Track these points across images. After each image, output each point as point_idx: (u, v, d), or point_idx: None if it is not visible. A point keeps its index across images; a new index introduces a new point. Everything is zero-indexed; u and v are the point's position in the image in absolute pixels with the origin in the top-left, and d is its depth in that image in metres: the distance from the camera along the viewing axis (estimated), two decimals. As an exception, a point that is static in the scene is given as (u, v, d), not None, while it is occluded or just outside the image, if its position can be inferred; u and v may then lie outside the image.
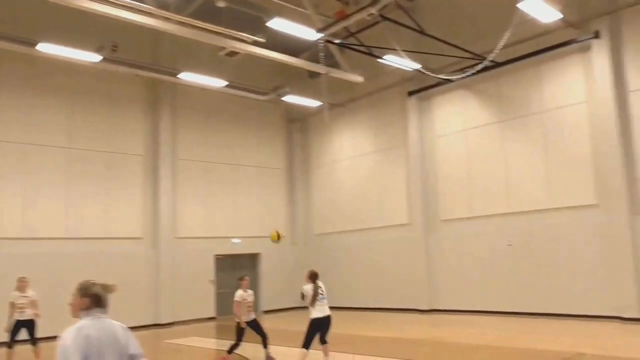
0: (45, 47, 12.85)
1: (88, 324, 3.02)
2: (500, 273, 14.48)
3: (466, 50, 14.16)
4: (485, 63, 13.20)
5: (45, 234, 14.56)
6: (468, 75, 14.19)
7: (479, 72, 13.84)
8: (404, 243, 16.94)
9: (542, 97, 14.13)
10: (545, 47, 13.63)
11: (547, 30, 13.37)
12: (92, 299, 3.12)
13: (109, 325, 3.09)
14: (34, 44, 12.80)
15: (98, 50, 13.66)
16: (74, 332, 2.94)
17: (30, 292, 9.79)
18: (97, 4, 11.10)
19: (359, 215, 18.56)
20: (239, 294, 9.77)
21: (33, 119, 14.78)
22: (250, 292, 9.91)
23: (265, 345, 9.57)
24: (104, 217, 15.78)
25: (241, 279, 10.00)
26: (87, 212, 15.43)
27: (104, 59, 13.84)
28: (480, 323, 13.33)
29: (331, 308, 7.71)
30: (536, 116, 14.18)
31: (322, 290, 8.19)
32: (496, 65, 13.99)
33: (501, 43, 11.96)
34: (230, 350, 9.57)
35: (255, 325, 9.66)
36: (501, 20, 12.48)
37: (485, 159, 15.18)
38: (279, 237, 10.96)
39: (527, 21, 12.37)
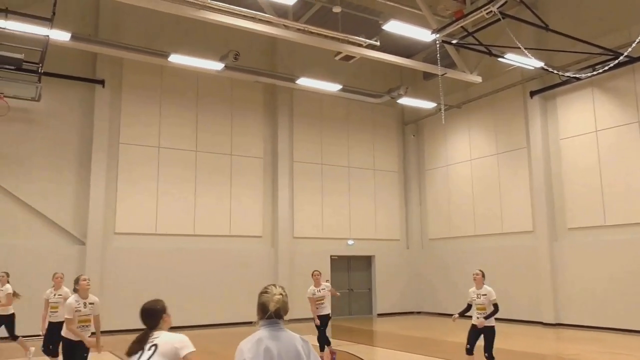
0: (175, 58, 13.96)
1: (266, 334, 2.77)
2: (634, 287, 13.16)
3: (596, 45, 13.07)
4: (621, 58, 12.08)
5: (175, 230, 15.76)
6: (599, 73, 13.09)
7: (611, 68, 12.71)
8: (526, 251, 16.02)
9: (688, 93, 12.63)
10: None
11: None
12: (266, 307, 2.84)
13: (289, 337, 2.83)
14: (166, 56, 13.96)
15: (221, 59, 14.56)
16: (252, 345, 2.72)
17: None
18: (220, 15, 11.84)
19: (477, 220, 17.88)
20: (310, 289, 9.68)
21: (164, 125, 16.09)
22: (324, 285, 9.71)
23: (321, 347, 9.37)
24: (227, 216, 16.75)
25: (313, 274, 9.88)
26: (212, 211, 16.46)
27: (227, 67, 14.71)
28: (609, 340, 12.22)
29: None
30: (681, 114, 12.71)
31: None
32: (632, 60, 12.75)
33: (639, 36, 10.86)
34: (323, 346, 9.42)
35: (323, 322, 9.49)
36: (636, 10, 11.35)
37: (620, 162, 13.87)
38: None
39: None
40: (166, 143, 16.05)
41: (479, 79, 15.99)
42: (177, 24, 15.70)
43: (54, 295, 8.78)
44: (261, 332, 2.77)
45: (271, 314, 2.80)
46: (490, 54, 13.57)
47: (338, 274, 18.58)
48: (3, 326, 9.60)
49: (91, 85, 15.08)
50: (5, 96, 13.05)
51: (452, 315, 8.25)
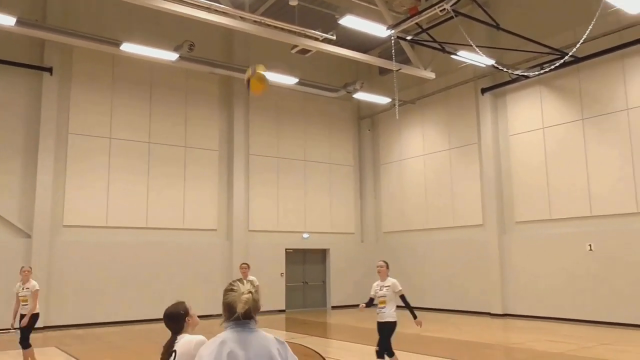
0: (128, 47, 13.60)
1: (231, 337, 2.41)
2: (578, 278, 13.79)
3: (544, 45, 13.57)
4: (566, 58, 12.59)
5: (127, 223, 15.42)
6: (547, 71, 13.60)
7: (558, 67, 13.23)
8: (477, 244, 16.51)
9: (627, 93, 13.29)
10: (631, 40, 12.82)
11: (633, 22, 12.56)
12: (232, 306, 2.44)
13: (261, 339, 2.45)
14: (118, 44, 13.58)
15: (176, 49, 14.30)
16: (214, 349, 2.36)
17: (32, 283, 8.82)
18: (175, 4, 11.61)
19: (430, 214, 18.28)
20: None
21: (116, 116, 15.69)
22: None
23: None
24: (181, 209, 16.51)
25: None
26: (165, 204, 16.18)
27: (181, 58, 14.46)
28: (555, 330, 12.78)
29: (399, 307, 7.50)
30: (622, 114, 13.36)
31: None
32: (577, 60, 13.31)
33: (583, 37, 11.35)
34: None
35: None
36: (581, 12, 11.86)
37: (565, 158, 14.47)
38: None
39: (611, 13, 11.67)
40: (118, 134, 15.65)
41: (432, 75, 16.30)
42: (130, 12, 15.28)
43: (22, 288, 8.75)
44: (226, 334, 2.40)
45: (238, 315, 2.38)
46: (443, 50, 13.88)
47: (293, 267, 18.64)
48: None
49: (39, 72, 14.52)
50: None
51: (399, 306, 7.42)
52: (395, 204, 19.73)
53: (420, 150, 18.90)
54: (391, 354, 7.22)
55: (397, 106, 15.75)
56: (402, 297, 7.30)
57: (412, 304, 7.47)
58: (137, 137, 15.97)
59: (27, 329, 8.53)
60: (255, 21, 12.95)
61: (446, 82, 17.50)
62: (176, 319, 3.36)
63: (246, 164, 17.91)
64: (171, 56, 14.29)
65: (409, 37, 13.65)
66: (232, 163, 17.54)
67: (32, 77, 14.51)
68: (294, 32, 13.50)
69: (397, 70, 14.96)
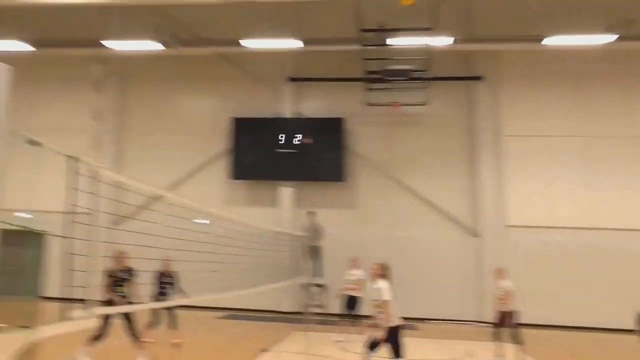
0: (552, 40, 13.06)
1: None
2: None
3: None
4: None
5: (571, 223, 14.58)
6: None
7: None
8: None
9: None
10: None
11: None
12: None
13: None
14: (539, 40, 13.19)
15: (608, 30, 12.83)
16: None
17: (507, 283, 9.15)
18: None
19: None
20: None
21: (546, 113, 15.22)
22: None
23: None
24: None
25: None
26: (612, 202, 14.62)
27: (620, 38, 12.86)
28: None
29: None
30: None
31: None
32: None
33: None
34: None
35: None
36: None
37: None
38: None
39: None
40: (551, 131, 15.16)
41: None
42: (552, 3, 14.66)
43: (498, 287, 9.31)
44: None
45: None
46: None
47: None
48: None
49: (470, 82, 15.57)
50: (400, 104, 14.80)
51: None
52: None
53: None
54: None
55: None
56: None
57: None
58: (572, 132, 15.09)
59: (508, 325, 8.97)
60: None
61: None
62: None
63: None
64: (605, 39, 12.94)
65: None
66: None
67: (465, 88, 15.65)
68: None
69: None
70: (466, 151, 15.48)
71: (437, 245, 15.02)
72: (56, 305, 9.04)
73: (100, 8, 13.45)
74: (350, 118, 15.78)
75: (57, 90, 17.23)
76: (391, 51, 13.75)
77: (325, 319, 12.58)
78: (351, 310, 11.22)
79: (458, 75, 15.63)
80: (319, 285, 13.71)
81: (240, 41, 14.08)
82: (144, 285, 8.11)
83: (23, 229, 13.76)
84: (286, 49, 14.78)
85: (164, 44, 14.31)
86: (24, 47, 15.05)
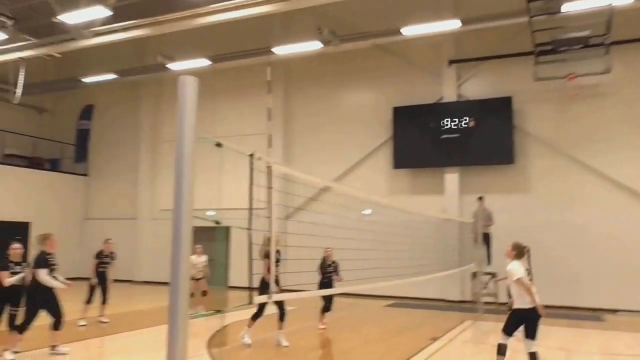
0: None
1: None
2: None
3: None
4: None
5: None
6: None
7: None
8: None
9: None
10: None
11: None
12: None
13: None
14: None
15: None
16: None
17: None
18: None
19: None
20: None
21: None
22: None
23: None
24: None
25: None
26: None
27: None
28: None
29: None
30: None
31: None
32: None
33: None
34: None
35: None
36: None
37: None
38: None
39: None
40: None
41: None
42: None
43: None
44: None
45: None
46: None
47: None
48: None
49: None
50: (576, 75, 13.45)
51: None
52: None
53: None
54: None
55: None
56: None
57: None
58: None
59: None
60: None
61: None
62: None
63: None
64: None
65: None
66: None
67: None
68: None
69: None
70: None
71: (623, 228, 13.39)
72: (240, 293, 9.98)
73: (265, 17, 14.39)
74: (518, 96, 14.80)
75: (232, 98, 18.90)
76: (564, 18, 12.54)
77: (498, 308, 12.06)
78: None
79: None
80: (489, 274, 13.19)
81: (398, 30, 14.01)
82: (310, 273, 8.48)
83: (214, 225, 15.27)
84: (445, 31, 14.38)
85: (324, 42, 14.87)
86: (204, 62, 16.83)
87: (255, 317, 8.29)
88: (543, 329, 10.29)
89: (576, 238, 13.68)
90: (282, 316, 8.49)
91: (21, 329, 7.18)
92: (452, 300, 14.67)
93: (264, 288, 7.78)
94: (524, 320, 6.33)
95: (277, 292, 7.06)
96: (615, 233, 13.43)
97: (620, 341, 9.44)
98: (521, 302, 6.31)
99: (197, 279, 11.67)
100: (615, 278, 13.10)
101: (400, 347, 8.42)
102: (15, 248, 7.54)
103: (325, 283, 9.94)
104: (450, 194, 15.40)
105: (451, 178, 15.46)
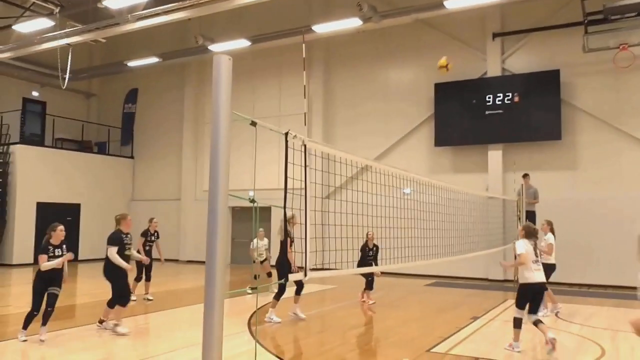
0: None
1: None
2: None
3: None
4: None
5: None
6: None
7: None
8: None
9: None
10: None
11: None
12: None
13: None
14: None
15: None
16: None
17: None
18: None
19: None
20: None
21: None
22: None
23: None
24: None
25: None
26: None
27: None
28: None
29: None
30: None
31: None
32: None
33: None
34: None
35: None
36: None
37: None
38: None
39: None
40: None
41: None
42: None
43: None
44: None
45: None
46: None
47: None
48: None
49: None
50: (628, 46, 12.78)
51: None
52: None
53: None
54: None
55: None
56: None
57: None
58: None
59: None
60: None
61: None
62: None
63: None
64: None
65: None
66: None
67: None
68: None
69: None
70: None
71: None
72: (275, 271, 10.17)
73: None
74: (567, 69, 14.22)
75: (272, 79, 18.91)
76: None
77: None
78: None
79: None
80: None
81: (441, 3, 13.62)
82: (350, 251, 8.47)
83: (251, 204, 15.46)
84: (489, 3, 13.89)
85: (364, 19, 14.63)
86: (244, 43, 16.86)
87: (278, 296, 8.39)
88: (589, 308, 10.11)
89: (625, 217, 13.15)
90: (298, 290, 8.65)
91: (124, 301, 7.58)
92: (495, 279, 14.44)
93: (283, 268, 7.92)
94: (528, 294, 6.59)
95: (295, 272, 7.15)
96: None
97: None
98: (522, 278, 6.68)
99: (261, 262, 11.85)
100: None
101: (440, 326, 8.36)
102: (59, 230, 7.08)
103: (365, 265, 9.98)
104: (493, 172, 15.06)
105: (495, 155, 15.09)
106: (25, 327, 6.89)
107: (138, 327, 8.48)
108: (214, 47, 17.36)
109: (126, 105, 22.19)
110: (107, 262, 7.57)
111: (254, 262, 11.64)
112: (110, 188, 21.17)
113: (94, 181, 20.55)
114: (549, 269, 9.37)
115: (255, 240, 11.49)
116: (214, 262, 2.69)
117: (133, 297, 10.44)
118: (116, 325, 7.58)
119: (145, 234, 10.95)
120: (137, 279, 10.65)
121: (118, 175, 21.68)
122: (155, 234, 11.03)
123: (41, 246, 7.07)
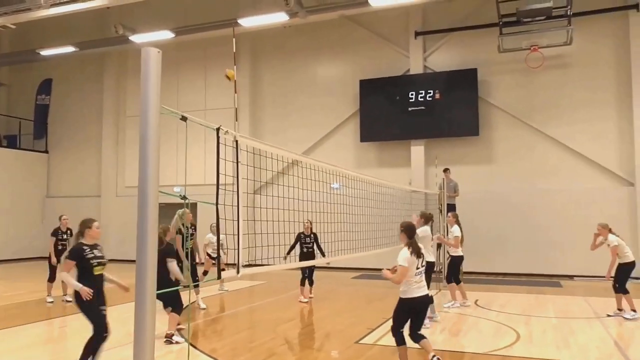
0: None
1: None
2: None
3: None
4: None
5: None
6: None
7: None
8: None
9: None
10: None
11: None
12: None
13: None
14: None
15: None
16: None
17: None
18: None
19: None
20: None
21: None
22: None
23: None
24: None
25: None
26: None
27: None
28: None
29: None
30: None
31: None
32: None
33: None
34: None
35: None
36: None
37: None
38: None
39: None
40: None
41: None
42: None
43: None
44: None
45: None
46: None
47: None
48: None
49: (623, 13, 13.82)
50: (539, 47, 13.65)
51: None
52: None
53: None
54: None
55: None
56: None
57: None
58: None
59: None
60: None
61: None
62: None
63: None
64: None
65: None
66: None
67: (618, 20, 13.92)
68: None
69: None
70: (618, 90, 13.91)
71: (584, 197, 13.84)
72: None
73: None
74: (483, 68, 14.96)
75: (197, 72, 18.49)
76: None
77: (463, 278, 12.38)
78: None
79: (609, 7, 13.92)
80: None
81: (366, 1, 13.85)
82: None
83: (180, 200, 14.95)
84: (412, 2, 14.33)
85: (290, 14, 14.62)
86: (168, 35, 16.34)
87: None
88: (505, 296, 10.76)
89: (534, 208, 14.07)
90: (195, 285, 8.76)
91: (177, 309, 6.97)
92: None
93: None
94: (410, 310, 5.75)
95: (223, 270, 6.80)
96: (578, 202, 13.86)
97: (576, 305, 9.84)
98: (401, 292, 5.74)
99: (214, 258, 11.39)
100: (574, 246, 13.46)
101: (369, 317, 8.59)
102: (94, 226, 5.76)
103: (306, 254, 9.93)
104: (416, 166, 15.58)
105: (417, 150, 15.62)
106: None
107: (56, 330, 8.07)
108: (135, 38, 16.73)
109: (39, 96, 20.89)
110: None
111: (208, 257, 10.99)
112: (22, 184, 19.90)
113: (5, 177, 19.23)
114: (458, 260, 9.87)
115: (209, 235, 10.94)
116: (145, 259, 2.63)
117: (50, 299, 9.92)
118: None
119: (55, 233, 10.33)
120: (51, 280, 10.11)
121: (30, 171, 20.42)
122: (68, 232, 10.38)
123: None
